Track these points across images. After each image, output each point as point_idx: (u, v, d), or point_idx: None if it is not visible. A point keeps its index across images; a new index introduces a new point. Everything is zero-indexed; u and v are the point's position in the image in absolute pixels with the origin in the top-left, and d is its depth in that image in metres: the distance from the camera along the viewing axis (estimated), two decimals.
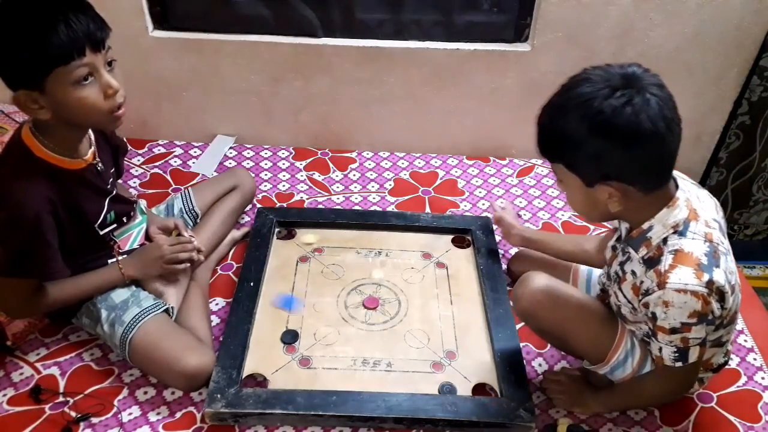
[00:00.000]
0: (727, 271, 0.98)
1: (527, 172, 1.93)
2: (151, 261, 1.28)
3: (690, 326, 0.97)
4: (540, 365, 1.33)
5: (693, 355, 1.00)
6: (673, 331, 0.98)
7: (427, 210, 1.76)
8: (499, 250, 1.54)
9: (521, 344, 1.32)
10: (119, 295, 1.25)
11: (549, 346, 1.36)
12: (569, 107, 0.94)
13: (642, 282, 1.01)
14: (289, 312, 1.36)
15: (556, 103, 0.97)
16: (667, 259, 0.97)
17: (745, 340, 1.39)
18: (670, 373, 1.06)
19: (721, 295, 0.97)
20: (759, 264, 2.03)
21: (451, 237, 1.59)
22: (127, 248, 1.31)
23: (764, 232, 2.05)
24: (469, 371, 1.26)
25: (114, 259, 1.27)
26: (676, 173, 1.03)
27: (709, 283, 0.95)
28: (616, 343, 1.13)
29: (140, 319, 1.20)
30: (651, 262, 1.00)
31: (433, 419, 1.16)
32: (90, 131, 1.17)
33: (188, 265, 1.33)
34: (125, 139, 1.38)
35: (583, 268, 1.36)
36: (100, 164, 1.20)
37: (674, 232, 0.98)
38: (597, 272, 1.32)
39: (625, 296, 1.08)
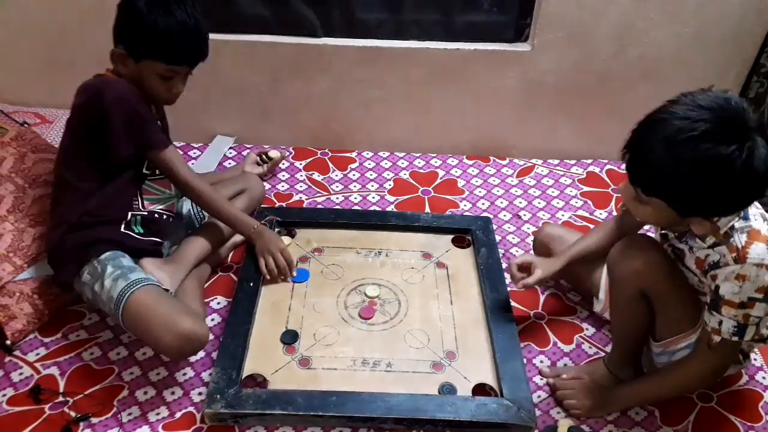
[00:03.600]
0: None
1: (527, 172, 1.93)
2: (265, 249, 1.41)
3: (755, 302, 1.00)
4: (542, 361, 1.33)
5: (749, 333, 1.03)
6: (741, 305, 1.00)
7: (427, 210, 1.76)
8: (500, 250, 1.54)
9: (521, 344, 1.32)
10: (128, 261, 1.26)
11: (550, 344, 1.36)
12: (681, 147, 0.90)
13: (708, 255, 1.04)
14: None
15: (665, 138, 0.92)
16: (741, 237, 1.00)
17: None
18: (716, 351, 1.07)
19: None
20: None
21: (451, 237, 1.59)
22: (146, 204, 1.35)
23: None
24: (469, 371, 1.26)
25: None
26: None
27: None
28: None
29: (143, 281, 1.20)
30: (717, 244, 1.03)
31: (433, 420, 1.16)
32: None
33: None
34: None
35: None
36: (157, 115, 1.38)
37: (738, 218, 1.02)
38: None
39: (689, 269, 1.10)
